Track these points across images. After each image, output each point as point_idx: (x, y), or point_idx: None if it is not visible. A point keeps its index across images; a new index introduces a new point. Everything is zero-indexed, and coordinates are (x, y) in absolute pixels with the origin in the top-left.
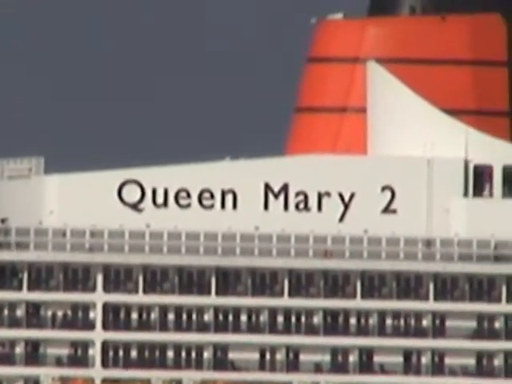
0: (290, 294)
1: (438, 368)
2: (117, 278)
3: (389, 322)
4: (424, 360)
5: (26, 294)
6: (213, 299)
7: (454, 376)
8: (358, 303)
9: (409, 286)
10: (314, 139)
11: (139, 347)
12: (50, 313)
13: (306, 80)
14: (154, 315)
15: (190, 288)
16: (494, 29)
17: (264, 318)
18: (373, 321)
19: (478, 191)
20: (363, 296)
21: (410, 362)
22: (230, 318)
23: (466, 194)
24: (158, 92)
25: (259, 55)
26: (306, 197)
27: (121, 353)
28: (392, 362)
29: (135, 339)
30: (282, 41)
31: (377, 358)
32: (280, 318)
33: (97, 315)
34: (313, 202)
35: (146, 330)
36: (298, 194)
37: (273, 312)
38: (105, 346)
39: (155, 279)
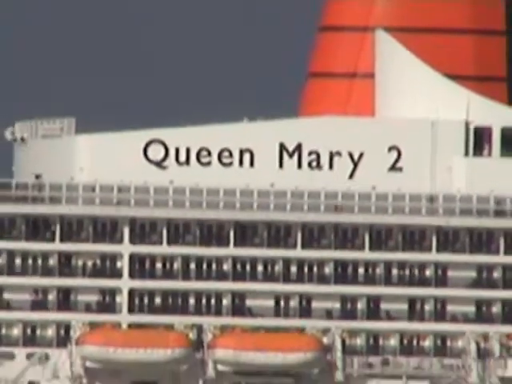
0: (303, 246)
1: (440, 315)
2: (142, 231)
3: (394, 271)
4: (427, 307)
5: (58, 245)
6: (231, 250)
7: (455, 322)
8: (366, 254)
9: (413, 238)
10: (326, 103)
11: (163, 294)
12: (80, 262)
13: (319, 47)
14: (176, 265)
15: (210, 240)
16: (494, 2)
17: (279, 267)
18: (379, 271)
19: (478, 151)
20: (371, 248)
21: (414, 309)
22: (247, 267)
23: (466, 153)
24: (181, 57)
25: (275, 22)
26: (318, 156)
27: (146, 300)
28: (397, 309)
29: (159, 287)
30: (296, 9)
31: (383, 306)
32: (293, 268)
33: (124, 265)
34: (324, 160)
35: (169, 279)
36: (310, 154)
37: (287, 262)
38: (131, 293)
39: (178, 232)
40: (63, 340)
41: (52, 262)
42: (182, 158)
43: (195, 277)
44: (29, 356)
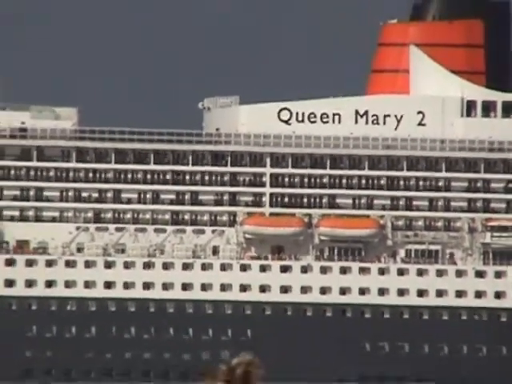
0: None
1: (447, 208)
2: (278, 161)
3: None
4: (439, 203)
5: (229, 168)
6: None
7: (456, 212)
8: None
9: (430, 164)
10: (384, 87)
11: (289, 197)
12: (241, 179)
13: (376, 58)
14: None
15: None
16: (478, 30)
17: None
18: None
19: (468, 114)
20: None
21: (432, 205)
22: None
23: (462, 115)
24: (285, 39)
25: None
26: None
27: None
28: (422, 204)
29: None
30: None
31: (415, 203)
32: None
33: (266, 179)
34: (384, 120)
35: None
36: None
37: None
38: (271, 195)
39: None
40: (232, 222)
41: (225, 178)
42: (300, 118)
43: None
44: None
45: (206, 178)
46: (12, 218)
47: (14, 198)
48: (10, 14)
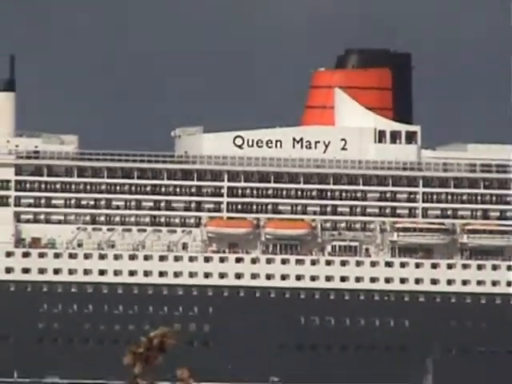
0: None
1: (363, 212)
2: None
3: None
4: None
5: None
6: None
7: (370, 217)
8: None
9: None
10: (315, 120)
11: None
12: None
13: (309, 97)
14: None
15: None
16: (386, 76)
17: None
18: None
19: (380, 141)
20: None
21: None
22: None
23: (375, 141)
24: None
25: None
26: (310, 143)
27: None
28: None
29: None
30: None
31: None
32: None
33: None
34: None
35: None
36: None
37: None
38: None
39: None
40: (198, 224)
41: (192, 190)
42: (250, 143)
43: None
44: None
45: (178, 189)
46: (28, 221)
47: (29, 205)
48: None
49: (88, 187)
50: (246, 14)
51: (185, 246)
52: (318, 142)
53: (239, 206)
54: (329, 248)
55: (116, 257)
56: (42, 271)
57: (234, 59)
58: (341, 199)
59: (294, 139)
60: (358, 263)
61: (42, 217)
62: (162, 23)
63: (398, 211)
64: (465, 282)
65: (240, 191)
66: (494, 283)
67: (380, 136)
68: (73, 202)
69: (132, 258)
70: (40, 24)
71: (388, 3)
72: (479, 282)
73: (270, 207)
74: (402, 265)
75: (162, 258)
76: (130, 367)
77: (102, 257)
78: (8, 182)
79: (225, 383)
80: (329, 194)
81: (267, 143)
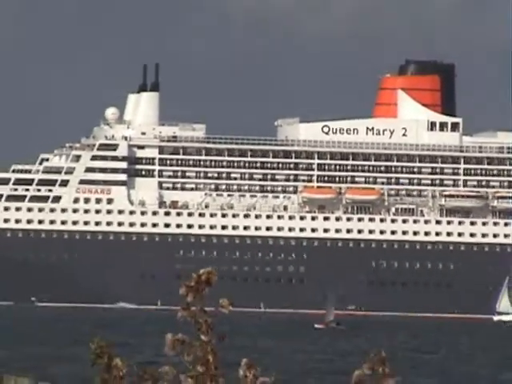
0: None
1: None
2: None
3: None
4: None
5: None
6: None
7: None
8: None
9: None
10: (383, 114)
11: None
12: None
13: (378, 96)
14: None
15: None
16: (436, 81)
17: None
18: None
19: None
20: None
21: None
22: None
23: (428, 130)
24: None
25: None
26: (379, 130)
27: None
28: None
29: None
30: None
31: None
32: None
33: None
34: None
35: None
36: None
37: None
38: None
39: None
40: (295, 191)
41: (291, 166)
42: (334, 131)
43: None
44: None
45: (280, 165)
46: (168, 188)
47: (169, 176)
48: None
49: (213, 163)
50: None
51: (285, 208)
52: (385, 130)
53: (326, 178)
54: (393, 210)
55: (234, 215)
56: (178, 226)
57: (320, 72)
58: (402, 173)
59: (367, 128)
60: (415, 221)
61: (179, 185)
62: None
63: (445, 182)
64: (495, 235)
65: (326, 166)
66: None
67: (431, 126)
68: (201, 174)
69: (246, 216)
70: (181, 37)
71: (434, 19)
72: (505, 235)
73: (349, 179)
74: (448, 222)
75: (268, 217)
76: (184, 297)
77: (224, 215)
78: (153, 159)
79: (316, 310)
80: (393, 169)
81: (347, 131)
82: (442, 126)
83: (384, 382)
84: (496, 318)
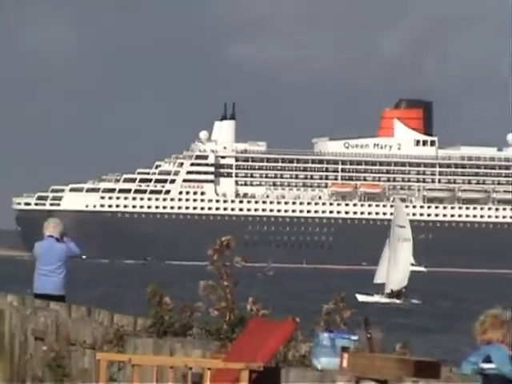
0: None
1: None
2: None
3: None
4: None
5: None
6: None
7: None
8: None
9: None
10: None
11: None
12: None
13: (382, 124)
14: None
15: None
16: (419, 113)
17: None
18: None
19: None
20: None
21: None
22: None
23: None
24: None
25: None
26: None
27: None
28: None
29: None
30: None
31: None
32: None
33: None
34: None
35: None
36: None
37: None
38: None
39: None
40: (324, 187)
41: (324, 170)
42: (353, 147)
43: None
44: None
45: (316, 169)
46: (241, 184)
47: (242, 177)
48: None
49: (271, 167)
50: None
51: (320, 197)
52: (386, 145)
53: (347, 177)
54: (392, 199)
55: (285, 203)
56: (248, 210)
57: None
58: (397, 174)
59: (374, 144)
60: (407, 206)
61: (249, 183)
62: None
63: (426, 180)
64: (459, 216)
65: (347, 170)
66: None
67: (417, 143)
68: (264, 175)
69: (293, 203)
70: (258, 84)
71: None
72: (467, 216)
73: (362, 178)
74: (428, 207)
75: (309, 203)
76: (211, 257)
77: (279, 203)
78: (231, 165)
79: (339, 266)
80: (391, 171)
81: (361, 146)
82: (424, 142)
83: (344, 313)
84: None
